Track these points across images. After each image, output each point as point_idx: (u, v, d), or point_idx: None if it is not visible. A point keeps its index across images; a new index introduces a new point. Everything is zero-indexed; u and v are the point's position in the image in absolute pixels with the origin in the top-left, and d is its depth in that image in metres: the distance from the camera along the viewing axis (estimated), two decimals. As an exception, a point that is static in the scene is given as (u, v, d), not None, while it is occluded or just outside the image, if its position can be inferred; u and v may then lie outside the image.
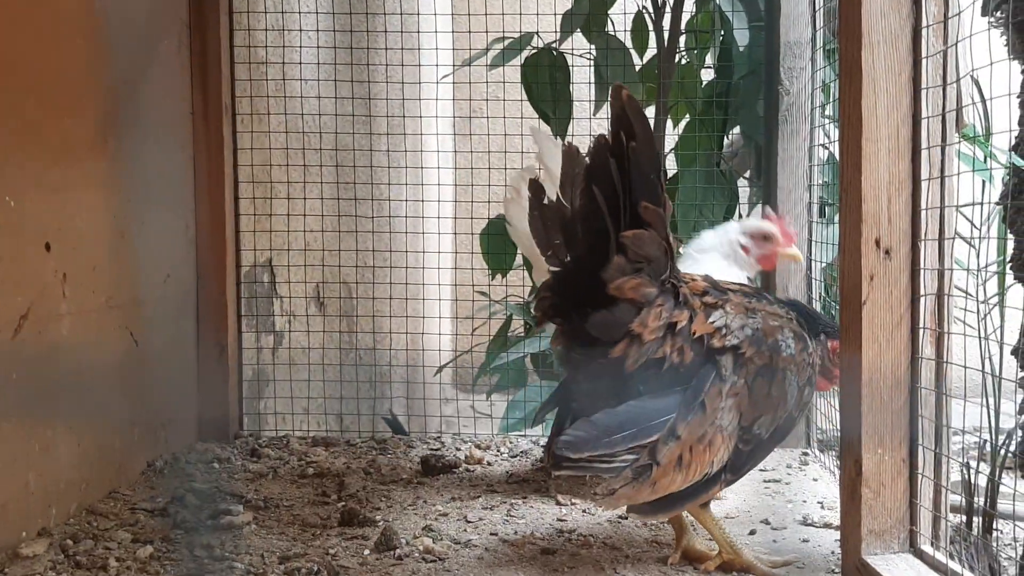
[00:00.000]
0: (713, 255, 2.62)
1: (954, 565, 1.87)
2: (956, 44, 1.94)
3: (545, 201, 2.04)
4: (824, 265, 3.22)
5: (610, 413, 1.93)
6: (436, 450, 3.26)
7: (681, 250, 2.66)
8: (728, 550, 2.15)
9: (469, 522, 2.54)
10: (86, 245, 2.61)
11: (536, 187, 2.07)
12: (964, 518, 3.12)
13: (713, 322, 2.00)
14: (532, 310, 2.17)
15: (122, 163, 2.78)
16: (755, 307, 2.09)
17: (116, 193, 2.77)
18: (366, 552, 2.30)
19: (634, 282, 1.95)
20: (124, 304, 2.80)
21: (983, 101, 2.79)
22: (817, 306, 3.25)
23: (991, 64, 1.84)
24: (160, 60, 3.08)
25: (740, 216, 3.44)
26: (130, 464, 2.86)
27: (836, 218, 2.83)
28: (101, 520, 2.50)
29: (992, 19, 3.41)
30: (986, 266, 3.32)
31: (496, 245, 3.37)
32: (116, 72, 2.76)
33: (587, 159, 1.96)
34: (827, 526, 2.49)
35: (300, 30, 3.65)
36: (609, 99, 1.93)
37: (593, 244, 1.95)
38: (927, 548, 1.96)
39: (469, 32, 3.68)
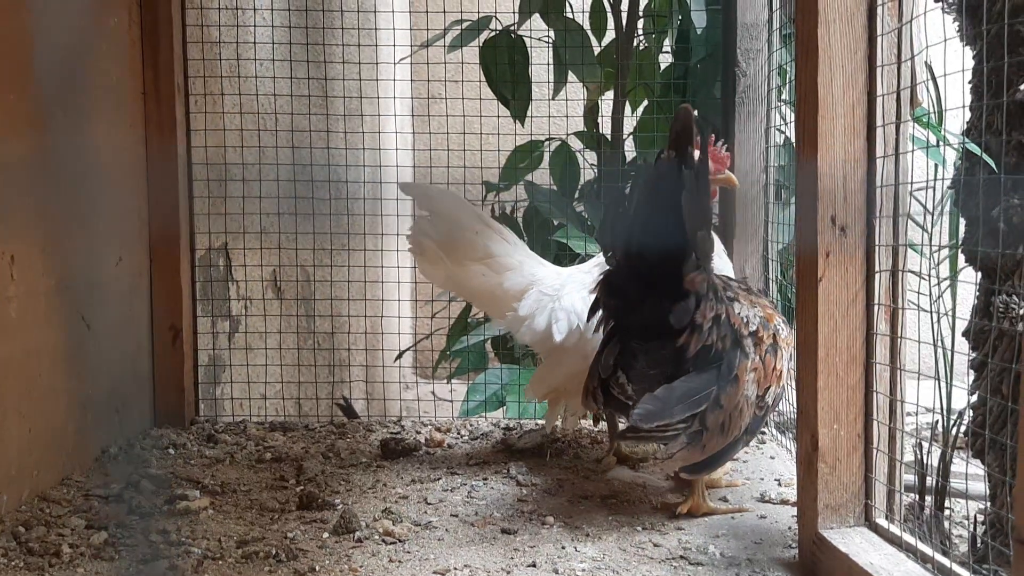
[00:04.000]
0: None
1: (908, 537, 1.90)
2: (911, 22, 1.96)
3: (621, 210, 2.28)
4: (781, 247, 3.25)
5: (668, 388, 2.19)
6: (396, 434, 3.24)
7: None
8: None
9: (429, 504, 2.53)
10: (34, 226, 2.55)
11: (619, 196, 2.33)
12: (917, 496, 3.18)
13: (739, 313, 2.32)
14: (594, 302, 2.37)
15: (71, 142, 2.72)
16: (754, 300, 2.41)
17: (65, 173, 2.70)
18: (325, 535, 2.28)
19: (700, 277, 2.19)
20: (75, 287, 2.74)
21: (934, 81, 2.82)
22: (773, 287, 3.27)
23: (944, 41, 1.86)
24: (109, 36, 3.01)
25: None
26: (83, 450, 2.81)
27: (792, 200, 2.84)
28: (54, 507, 2.45)
29: (944, 4, 3.44)
30: (939, 248, 3.37)
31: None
32: (63, 47, 2.69)
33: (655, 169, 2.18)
34: (784, 502, 2.51)
35: (254, 9, 3.59)
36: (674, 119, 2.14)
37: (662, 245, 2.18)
38: (882, 522, 1.99)
39: (427, 13, 3.65)
